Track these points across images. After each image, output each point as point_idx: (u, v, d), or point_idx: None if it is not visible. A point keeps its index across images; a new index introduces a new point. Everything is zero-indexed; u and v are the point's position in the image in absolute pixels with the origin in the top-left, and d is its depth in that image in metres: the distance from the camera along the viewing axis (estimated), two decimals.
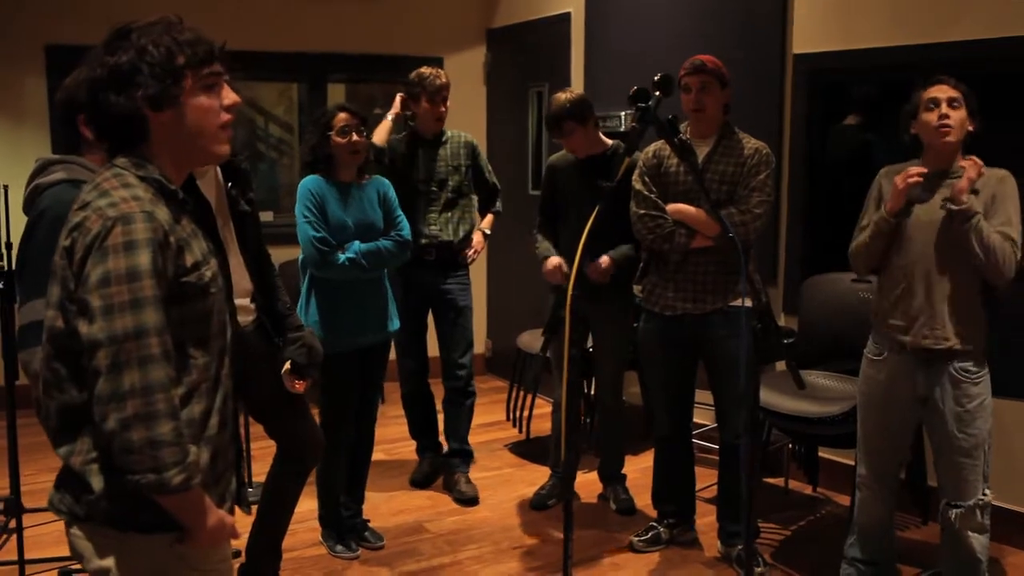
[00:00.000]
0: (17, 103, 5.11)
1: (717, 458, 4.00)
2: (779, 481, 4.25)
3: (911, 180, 2.84)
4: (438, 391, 4.31)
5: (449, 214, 4.05)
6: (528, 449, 4.83)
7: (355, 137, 3.27)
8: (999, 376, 2.93)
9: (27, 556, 3.27)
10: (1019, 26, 3.41)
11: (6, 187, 3.23)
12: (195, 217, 1.66)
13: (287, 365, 2.82)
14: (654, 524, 3.70)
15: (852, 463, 3.89)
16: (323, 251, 3.24)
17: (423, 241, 3.95)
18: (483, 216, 4.26)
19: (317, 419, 3.17)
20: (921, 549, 3.56)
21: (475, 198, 4.22)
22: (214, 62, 1.62)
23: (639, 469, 4.35)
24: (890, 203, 2.90)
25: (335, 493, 3.55)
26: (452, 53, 5.86)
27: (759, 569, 3.37)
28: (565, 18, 5.28)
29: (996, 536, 3.02)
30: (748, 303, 3.33)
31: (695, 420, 3.71)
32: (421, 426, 4.35)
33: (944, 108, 2.82)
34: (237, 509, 1.82)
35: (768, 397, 3.54)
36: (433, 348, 4.23)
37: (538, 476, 4.34)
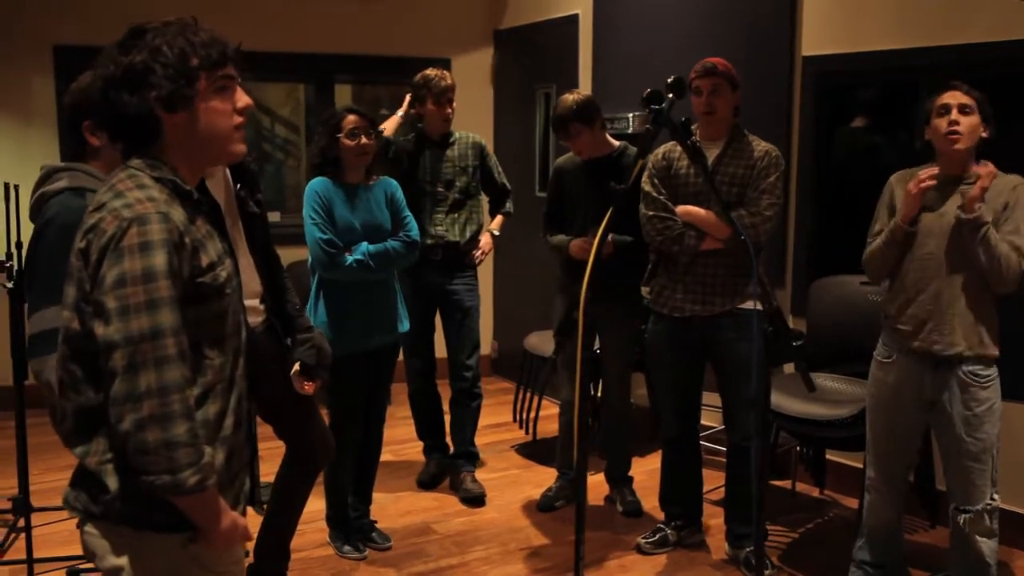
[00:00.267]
0: (25, 103, 5.12)
1: (723, 460, 4.00)
2: (786, 483, 4.25)
3: (923, 185, 2.84)
4: (444, 392, 4.32)
5: (456, 215, 4.05)
6: (535, 450, 4.83)
7: (364, 140, 3.27)
8: (1007, 379, 2.93)
9: (35, 555, 3.28)
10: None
11: (16, 187, 3.24)
12: (210, 218, 1.67)
13: (296, 366, 2.82)
14: (661, 526, 3.69)
15: (859, 466, 3.88)
16: (330, 253, 3.24)
17: (429, 242, 3.95)
18: (493, 216, 4.26)
19: (326, 420, 3.17)
20: (929, 552, 3.55)
21: (483, 199, 4.22)
22: (228, 64, 1.62)
23: (646, 471, 4.35)
24: (903, 211, 2.90)
25: (343, 494, 3.56)
26: (459, 54, 5.87)
27: (768, 572, 3.37)
28: (573, 19, 5.28)
29: (1004, 539, 3.02)
30: (758, 305, 3.36)
31: (701, 422, 3.70)
32: (428, 427, 4.35)
33: (955, 115, 2.82)
34: (250, 509, 1.83)
35: (777, 399, 3.53)
36: (440, 349, 4.24)
37: (545, 477, 4.34)
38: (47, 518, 3.63)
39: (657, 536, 3.66)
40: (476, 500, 4.10)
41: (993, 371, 2.88)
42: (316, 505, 3.51)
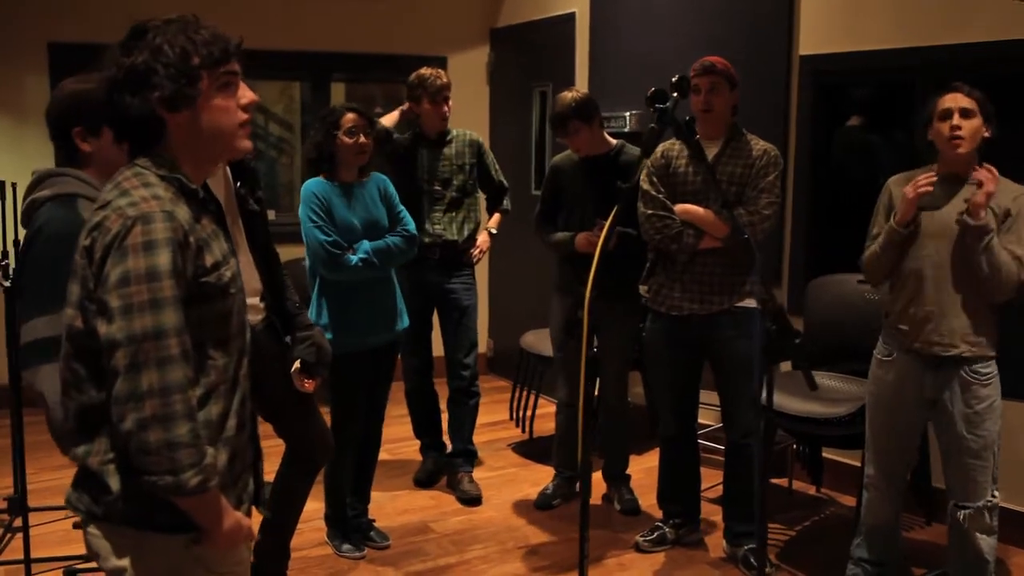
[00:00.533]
0: (19, 101, 5.09)
1: (720, 458, 4.00)
2: (783, 482, 4.25)
3: (920, 190, 2.84)
4: (441, 390, 4.32)
5: (453, 213, 4.05)
6: (531, 449, 4.83)
7: (362, 138, 3.27)
8: (1006, 377, 2.94)
9: (31, 555, 3.26)
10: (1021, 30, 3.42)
11: (14, 185, 3.22)
12: (215, 217, 1.66)
13: (297, 364, 2.82)
14: (659, 524, 3.70)
15: (855, 463, 3.90)
16: (335, 254, 3.23)
17: (427, 240, 3.94)
18: (490, 214, 4.26)
19: (326, 419, 3.16)
20: (926, 549, 3.57)
21: (480, 197, 4.22)
22: (230, 61, 1.61)
23: (643, 469, 4.35)
24: (900, 214, 2.90)
25: (342, 493, 3.55)
26: (455, 52, 5.86)
27: (767, 570, 3.37)
28: (570, 18, 5.28)
29: (1002, 537, 3.02)
30: (754, 303, 3.36)
31: (698, 420, 3.71)
32: (425, 425, 4.34)
33: (956, 119, 2.82)
34: (254, 509, 1.82)
35: (775, 398, 3.52)
36: (437, 347, 4.23)
37: (542, 476, 4.34)
38: (42, 518, 3.62)
39: (655, 534, 3.66)
40: (473, 501, 4.10)
41: (993, 369, 2.89)
42: (314, 504, 3.49)
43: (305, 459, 2.99)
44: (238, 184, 2.67)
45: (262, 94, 6.28)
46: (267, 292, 2.77)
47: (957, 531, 2.98)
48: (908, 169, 3.07)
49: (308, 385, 2.86)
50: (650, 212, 3.35)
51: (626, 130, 4.59)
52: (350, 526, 3.61)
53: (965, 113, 2.83)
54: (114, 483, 1.56)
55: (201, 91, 1.57)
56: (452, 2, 5.88)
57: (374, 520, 3.73)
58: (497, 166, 4.23)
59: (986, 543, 2.94)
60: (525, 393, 5.09)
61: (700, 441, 3.78)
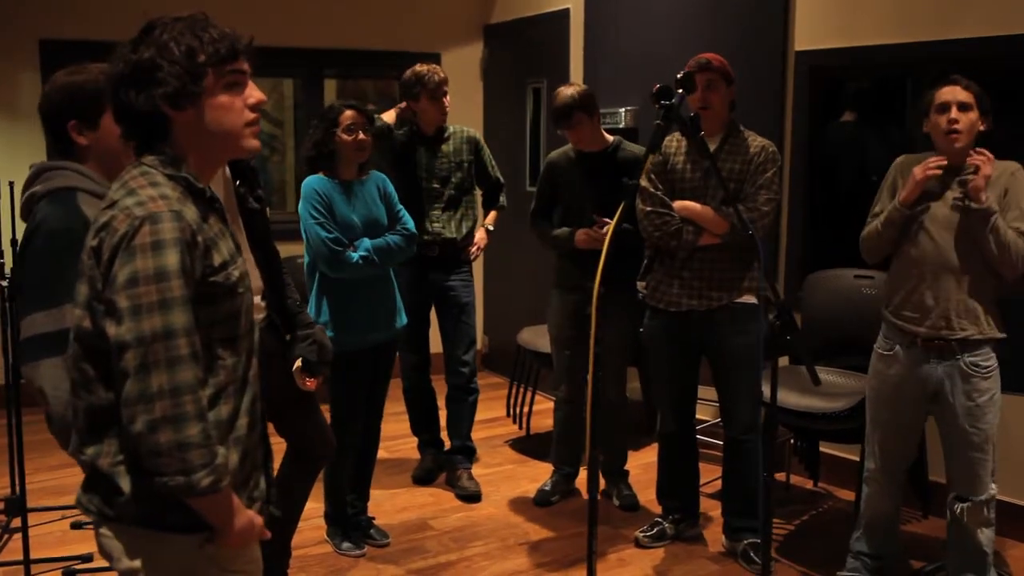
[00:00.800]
0: (11, 98, 5.06)
1: (716, 454, 4.02)
2: (781, 476, 4.27)
3: (930, 172, 2.86)
4: (439, 387, 4.31)
5: (452, 211, 4.04)
6: (528, 445, 4.84)
7: (361, 136, 3.26)
8: (1002, 371, 2.95)
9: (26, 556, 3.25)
10: (1021, 24, 3.43)
11: (11, 183, 3.20)
12: (222, 216, 1.65)
13: (298, 363, 2.81)
14: (659, 520, 3.71)
15: (852, 458, 3.92)
16: (336, 251, 3.23)
17: (426, 239, 3.93)
18: (487, 211, 4.25)
19: (326, 417, 3.15)
20: (922, 542, 3.59)
21: (478, 193, 4.21)
22: (237, 59, 1.60)
23: (640, 465, 4.36)
24: (905, 193, 2.91)
25: (342, 491, 3.55)
26: (449, 49, 5.85)
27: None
28: (564, 14, 5.27)
29: (998, 529, 3.04)
30: (753, 299, 3.38)
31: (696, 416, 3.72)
32: (423, 422, 4.34)
33: (954, 113, 2.84)
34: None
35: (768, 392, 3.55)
36: (434, 344, 4.23)
37: (539, 472, 4.35)
38: (40, 518, 3.61)
39: (655, 530, 3.67)
40: (473, 498, 4.10)
41: (993, 362, 2.91)
42: (313, 503, 3.48)
43: (307, 458, 2.98)
44: (237, 183, 2.66)
45: None
46: (268, 290, 2.76)
47: (956, 524, 3.00)
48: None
49: (310, 383, 2.85)
50: (649, 209, 3.35)
51: (621, 126, 4.60)
52: (350, 524, 3.60)
53: (963, 107, 2.84)
54: (125, 484, 1.55)
55: (206, 89, 1.57)
56: None
57: (374, 518, 3.73)
58: (494, 162, 4.22)
59: (985, 536, 2.97)
60: (522, 389, 5.10)
61: (698, 437, 3.79)
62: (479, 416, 4.39)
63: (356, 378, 3.39)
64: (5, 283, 3.07)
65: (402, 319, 3.50)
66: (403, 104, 4.05)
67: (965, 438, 2.91)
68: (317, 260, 3.28)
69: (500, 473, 4.46)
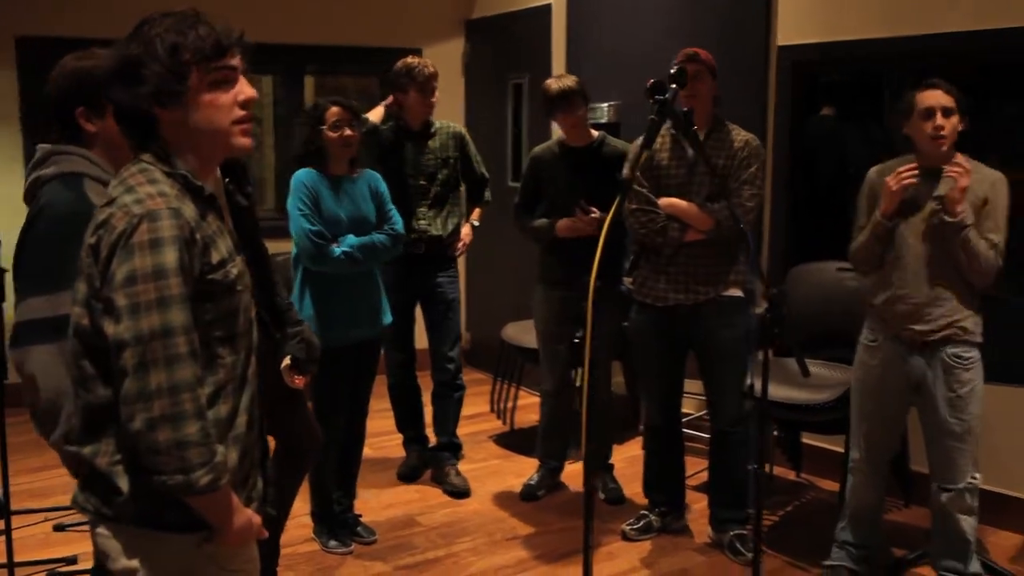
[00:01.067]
0: None
1: (700, 446, 4.05)
2: (764, 467, 4.31)
3: (905, 182, 2.90)
4: (423, 384, 4.31)
5: (439, 208, 4.03)
6: (513, 440, 4.85)
7: (348, 132, 3.25)
8: (983, 361, 3.00)
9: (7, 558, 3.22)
10: (1001, 19, 3.48)
11: None
12: (220, 214, 1.65)
13: (287, 360, 2.80)
14: (645, 512, 3.73)
15: (834, 448, 3.97)
16: (318, 244, 3.22)
17: (412, 236, 3.92)
18: (471, 207, 4.24)
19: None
20: (905, 531, 3.63)
21: (463, 190, 4.20)
22: (223, 57, 1.58)
23: (625, 458, 4.39)
24: (883, 206, 2.96)
25: (328, 488, 3.54)
26: (430, 44, 5.83)
27: (752, 555, 3.41)
28: (546, 10, 5.28)
29: (979, 517, 3.09)
30: (739, 292, 3.41)
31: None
32: (408, 419, 4.34)
33: (939, 119, 2.88)
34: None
35: (758, 385, 3.57)
36: (419, 341, 4.23)
37: (525, 467, 4.36)
38: (22, 521, 3.57)
39: (642, 522, 3.69)
40: (462, 494, 4.10)
41: (975, 354, 2.96)
42: (299, 501, 3.48)
43: (295, 455, 2.97)
44: (226, 179, 2.64)
45: None
46: (256, 288, 2.74)
47: (940, 512, 3.05)
48: (881, 157, 3.12)
49: (298, 381, 2.84)
50: (635, 207, 3.36)
51: (603, 121, 4.61)
52: (336, 522, 3.60)
53: (946, 112, 2.89)
54: (124, 484, 1.55)
55: (191, 87, 1.55)
56: None
57: (360, 515, 3.72)
58: (479, 158, 4.22)
59: (967, 523, 3.02)
60: (506, 385, 5.10)
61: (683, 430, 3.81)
62: (462, 412, 4.39)
63: (338, 374, 3.37)
64: None
65: (387, 317, 3.50)
66: (388, 100, 4.04)
67: (947, 428, 2.95)
68: (301, 253, 3.27)
69: (485, 469, 4.46)
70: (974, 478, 2.99)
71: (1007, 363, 3.35)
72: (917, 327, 2.95)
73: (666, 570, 3.44)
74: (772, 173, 4.20)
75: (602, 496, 4.07)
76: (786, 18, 4.15)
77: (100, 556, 1.64)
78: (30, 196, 2.03)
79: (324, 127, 3.24)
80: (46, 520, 3.67)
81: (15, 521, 3.38)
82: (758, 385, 3.48)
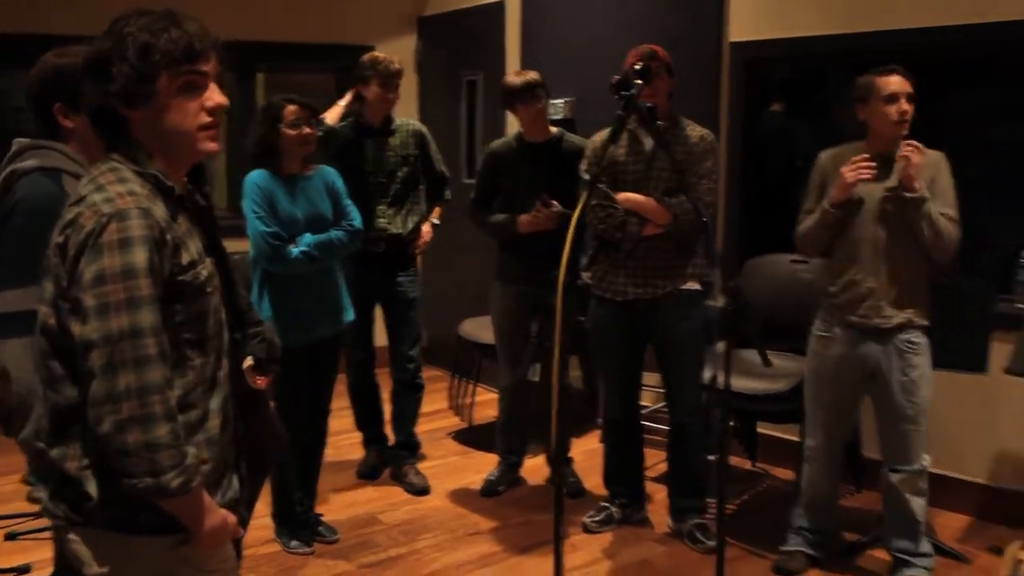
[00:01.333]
0: None
1: (657, 438, 4.10)
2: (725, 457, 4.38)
3: (862, 174, 2.96)
4: (382, 382, 4.30)
5: (399, 206, 4.01)
6: (471, 437, 4.86)
7: (306, 130, 3.23)
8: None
9: None
10: (944, 16, 3.58)
11: None
12: (191, 215, 1.63)
13: (249, 361, 2.77)
14: (606, 504, 3.77)
15: (787, 437, 4.06)
16: (276, 246, 3.20)
17: (372, 234, 3.89)
18: (431, 205, 4.23)
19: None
20: (857, 515, 3.72)
21: (422, 188, 4.19)
22: (195, 61, 1.57)
23: (583, 452, 4.43)
24: (835, 196, 3.02)
25: (288, 489, 3.52)
26: (382, 42, 5.79)
27: (711, 542, 3.48)
28: (499, 7, 5.28)
29: (928, 499, 3.19)
30: (696, 285, 3.46)
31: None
32: (367, 418, 4.32)
33: (904, 104, 2.96)
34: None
35: (713, 376, 3.64)
36: (378, 339, 4.21)
37: (484, 463, 4.37)
38: None
39: (603, 514, 3.73)
40: (422, 492, 4.11)
41: (925, 339, 3.05)
42: (258, 502, 3.46)
43: (258, 457, 2.94)
44: (184, 179, 2.61)
45: None
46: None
47: (892, 494, 3.14)
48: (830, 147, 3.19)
49: (260, 382, 2.81)
50: (593, 202, 3.39)
51: (559, 117, 4.64)
52: (298, 522, 3.58)
53: (909, 98, 2.97)
54: (94, 489, 1.53)
55: (159, 91, 1.53)
56: None
57: (321, 515, 3.71)
58: (439, 156, 4.21)
59: (918, 505, 3.11)
60: (463, 382, 5.11)
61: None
62: (420, 410, 4.39)
63: (300, 374, 3.36)
64: None
65: (348, 315, 3.49)
66: (347, 97, 4.01)
67: (900, 411, 3.04)
68: (259, 255, 3.24)
69: (445, 466, 4.47)
70: (924, 460, 3.08)
71: (952, 349, 3.44)
72: (870, 315, 3.03)
73: (628, 561, 3.48)
74: (727, 168, 4.27)
75: (563, 489, 4.09)
76: (738, 15, 4.22)
77: (72, 562, 1.61)
78: (4, 189, 2.00)
79: (282, 125, 3.21)
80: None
81: None
82: (711, 376, 3.57)
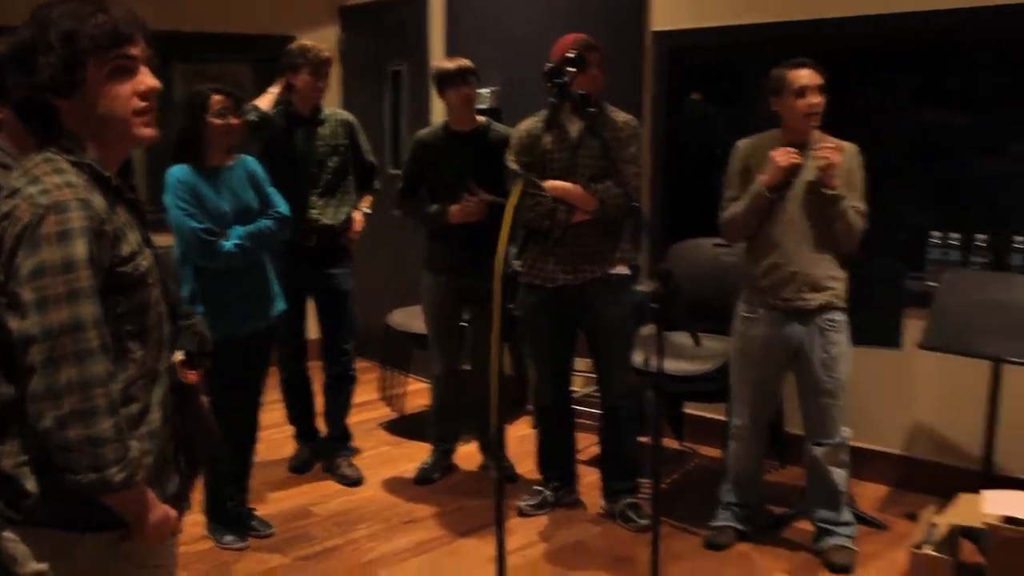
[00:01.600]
0: None
1: (587, 422, 4.17)
2: (649, 439, 4.47)
3: (794, 161, 3.07)
4: (314, 374, 4.27)
5: (330, 197, 3.97)
6: (403, 427, 4.87)
7: (232, 119, 3.19)
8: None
9: None
10: (856, 7, 3.72)
11: None
12: (129, 206, 1.61)
13: (179, 355, 2.73)
14: (539, 488, 3.82)
15: (712, 416, 4.18)
16: (208, 241, 3.15)
17: (304, 226, 3.86)
18: (360, 195, 4.20)
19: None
20: (781, 489, 3.86)
21: (351, 179, 4.16)
22: (122, 46, 1.54)
23: (515, 437, 4.48)
24: (768, 179, 3.11)
25: (222, 484, 3.48)
26: (304, 32, 5.69)
27: (643, 521, 3.57)
28: None
29: (849, 470, 3.33)
30: (625, 270, 3.53)
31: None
32: (300, 412, 4.28)
33: (814, 97, 3.06)
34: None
35: (640, 358, 3.73)
36: (310, 332, 4.19)
37: (417, 452, 4.39)
38: None
39: (537, 498, 3.79)
40: (355, 483, 4.10)
41: (845, 318, 3.18)
42: None
43: (191, 451, 2.90)
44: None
45: None
46: None
47: (815, 467, 3.27)
48: (749, 135, 3.29)
49: (192, 376, 2.78)
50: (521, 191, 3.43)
51: (485, 107, 4.65)
52: (231, 517, 3.54)
53: (820, 90, 3.08)
54: (32, 485, 1.50)
55: (88, 78, 1.50)
56: None
57: (254, 509, 3.68)
58: (368, 146, 4.18)
59: (839, 476, 3.25)
60: (394, 372, 5.11)
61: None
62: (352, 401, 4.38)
63: (232, 368, 3.31)
64: None
65: (279, 305, 3.46)
66: (278, 86, 3.94)
67: (821, 387, 3.17)
68: (190, 251, 3.19)
69: (377, 456, 4.47)
70: (844, 433, 3.22)
71: (868, 327, 3.59)
72: (792, 297, 3.14)
73: (563, 542, 3.54)
74: (651, 155, 4.36)
75: (495, 475, 4.13)
76: (660, 4, 4.29)
77: (5, 563, 1.58)
78: None
79: (207, 115, 3.16)
80: None
81: None
82: (639, 358, 3.65)
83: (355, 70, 5.87)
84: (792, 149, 3.08)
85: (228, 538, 3.50)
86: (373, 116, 5.68)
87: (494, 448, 2.37)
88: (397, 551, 3.49)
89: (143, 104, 1.57)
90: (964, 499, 3.00)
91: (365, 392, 5.31)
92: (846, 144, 3.16)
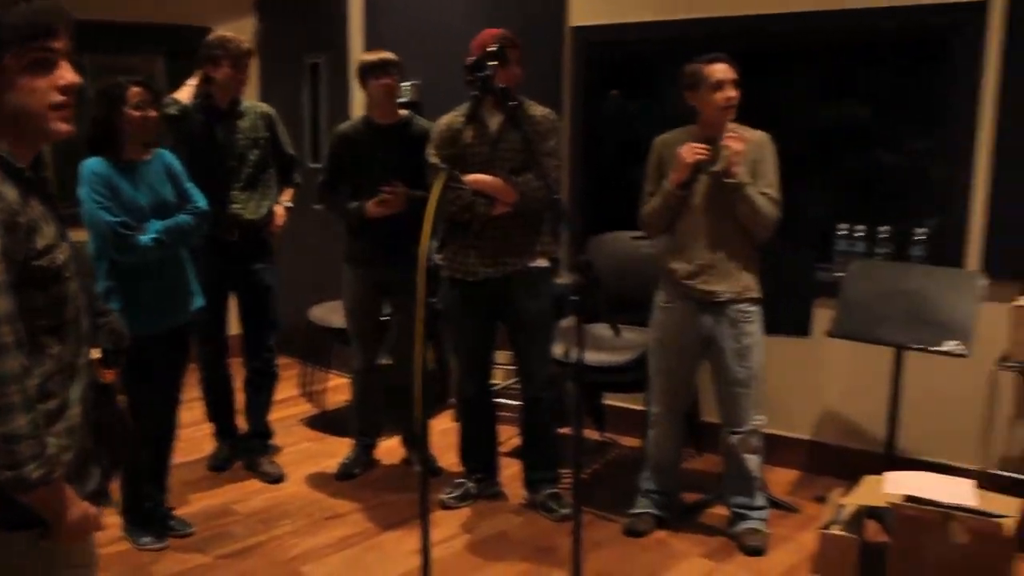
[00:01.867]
0: None
1: (509, 414, 4.22)
2: (569, 430, 4.54)
3: (699, 156, 3.15)
4: (234, 371, 4.22)
5: (251, 191, 3.90)
6: (324, 422, 4.84)
7: (150, 112, 3.13)
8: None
9: None
10: (774, 5, 3.84)
11: None
12: (44, 198, 1.58)
13: (95, 354, 2.68)
14: (462, 480, 3.85)
15: (631, 407, 4.27)
16: (125, 235, 3.08)
17: (226, 221, 3.79)
18: (281, 188, 4.15)
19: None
20: (698, 477, 3.97)
21: (272, 172, 4.11)
22: (40, 39, 1.51)
23: (437, 431, 4.50)
24: (675, 176, 3.20)
25: (138, 483, 3.42)
26: (219, 22, 5.59)
27: (564, 510, 3.63)
28: None
29: (763, 456, 3.45)
30: (545, 262, 3.57)
31: None
32: (220, 409, 4.21)
33: (731, 90, 3.16)
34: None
35: (561, 350, 3.79)
36: (231, 328, 4.13)
37: (338, 447, 4.37)
38: None
39: (459, 491, 3.81)
40: (276, 479, 4.06)
41: (757, 309, 3.29)
42: None
43: (109, 449, 2.85)
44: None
45: None
46: None
47: (730, 454, 3.37)
48: (663, 132, 3.37)
49: (108, 375, 2.72)
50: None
51: (406, 100, 4.64)
52: (148, 517, 3.48)
53: (735, 84, 3.17)
54: None
55: (4, 69, 1.47)
56: None
57: (173, 508, 3.62)
58: (287, 138, 4.14)
59: (753, 462, 3.36)
60: (314, 368, 5.07)
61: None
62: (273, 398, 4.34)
63: (149, 365, 3.26)
64: None
65: (197, 301, 3.41)
66: (196, 79, 3.86)
67: (734, 376, 3.27)
68: (105, 246, 3.12)
69: (298, 452, 4.43)
70: (758, 420, 3.33)
71: (779, 317, 3.72)
72: (705, 288, 3.24)
73: (487, 533, 3.58)
74: (570, 149, 4.42)
75: (417, 468, 4.15)
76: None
77: None
78: None
79: (125, 107, 3.09)
80: None
81: None
82: (558, 350, 3.71)
83: (273, 63, 5.78)
84: (699, 144, 3.17)
85: (146, 539, 3.44)
86: (292, 109, 5.61)
87: (418, 442, 2.38)
88: (320, 547, 3.48)
89: (61, 99, 1.54)
90: (869, 481, 3.14)
91: (286, 388, 5.26)
92: (757, 133, 3.26)
